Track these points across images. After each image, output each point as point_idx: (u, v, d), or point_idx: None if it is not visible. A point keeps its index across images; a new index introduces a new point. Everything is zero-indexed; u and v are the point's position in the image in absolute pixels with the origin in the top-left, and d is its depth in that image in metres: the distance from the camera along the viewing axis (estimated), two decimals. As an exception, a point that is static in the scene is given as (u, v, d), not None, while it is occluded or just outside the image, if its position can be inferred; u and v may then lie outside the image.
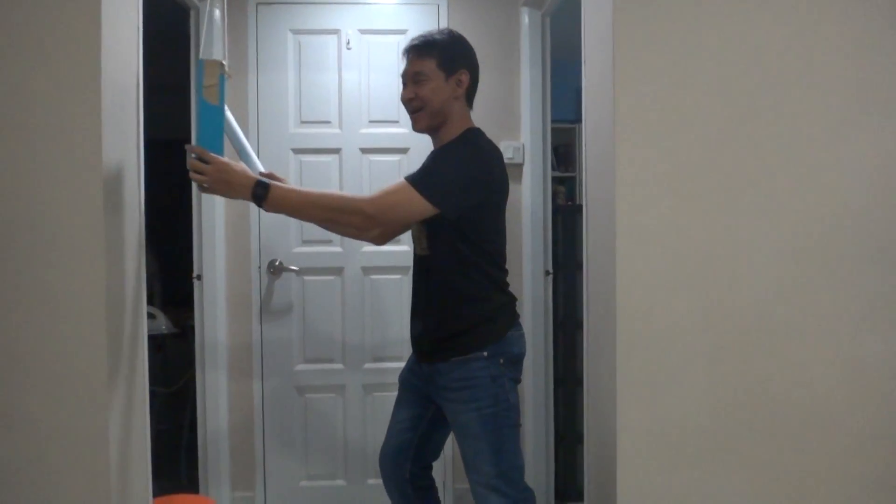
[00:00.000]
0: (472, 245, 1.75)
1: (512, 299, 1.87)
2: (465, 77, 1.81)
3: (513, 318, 1.85)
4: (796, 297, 1.71)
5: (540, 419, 2.86)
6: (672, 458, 1.70)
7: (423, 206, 1.68)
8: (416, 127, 1.85)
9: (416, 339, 1.90)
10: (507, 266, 1.88)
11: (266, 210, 1.64)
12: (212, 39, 2.60)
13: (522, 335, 1.87)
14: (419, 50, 1.80)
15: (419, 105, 1.80)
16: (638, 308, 1.68)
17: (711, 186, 1.69)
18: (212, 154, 1.62)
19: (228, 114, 1.82)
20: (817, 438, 1.73)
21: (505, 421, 1.75)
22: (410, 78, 1.81)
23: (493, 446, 1.74)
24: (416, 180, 1.68)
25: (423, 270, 1.85)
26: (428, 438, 1.95)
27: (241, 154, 1.87)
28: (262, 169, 1.85)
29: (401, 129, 2.82)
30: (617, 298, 1.67)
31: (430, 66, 1.79)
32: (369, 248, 2.84)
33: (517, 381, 1.82)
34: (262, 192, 1.61)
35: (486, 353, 1.75)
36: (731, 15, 1.67)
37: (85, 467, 1.48)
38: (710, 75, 1.68)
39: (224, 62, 1.64)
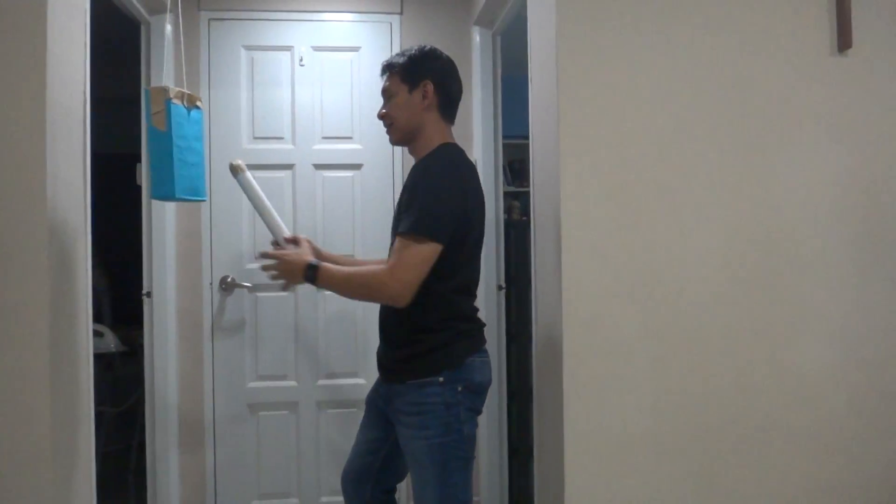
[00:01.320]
0: (438, 275, 1.68)
1: (476, 326, 1.81)
2: (429, 88, 1.79)
3: (475, 344, 1.78)
4: (736, 305, 1.78)
5: (493, 433, 2.88)
6: (619, 465, 1.73)
7: (433, 249, 1.65)
8: (391, 141, 1.89)
9: (378, 357, 1.88)
10: (476, 291, 1.83)
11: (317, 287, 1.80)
12: (161, 61, 2.59)
13: (487, 362, 1.80)
14: (386, 67, 1.86)
15: (389, 121, 1.84)
16: (583, 319, 1.72)
17: (654, 199, 1.74)
18: (272, 251, 1.84)
19: (251, 178, 1.92)
20: (758, 442, 1.78)
21: (454, 453, 1.69)
22: (383, 95, 1.86)
23: (437, 478, 1.69)
24: (415, 230, 1.64)
25: None
26: (390, 462, 1.90)
27: (266, 220, 1.94)
28: (287, 233, 1.94)
29: (354, 144, 2.83)
30: (563, 310, 1.71)
31: (394, 81, 1.82)
32: (323, 263, 2.84)
33: (477, 411, 1.75)
34: (312, 274, 1.75)
35: (441, 379, 1.69)
36: (671, 31, 1.75)
37: (25, 485, 1.45)
38: (652, 89, 1.74)
39: (168, 87, 1.64)
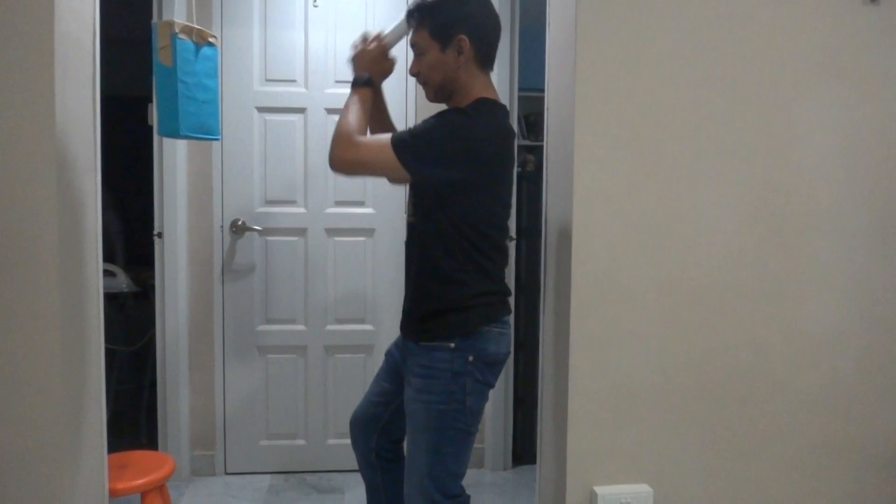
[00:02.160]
0: (455, 221, 1.64)
1: (499, 290, 1.73)
2: (464, 43, 1.65)
3: (494, 313, 1.70)
4: (748, 261, 1.76)
5: (499, 384, 2.91)
6: (621, 417, 1.75)
7: (393, 165, 1.60)
8: (428, 98, 1.77)
9: (403, 311, 1.83)
10: (504, 256, 1.75)
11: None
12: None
13: (506, 334, 1.71)
14: (412, 17, 1.71)
15: (423, 80, 1.73)
16: (592, 271, 1.71)
17: (670, 152, 1.71)
18: (375, 42, 1.79)
19: None
20: (763, 399, 1.79)
21: (453, 423, 1.64)
22: (413, 49, 1.73)
23: (432, 443, 1.65)
24: (396, 139, 1.61)
25: (410, 238, 1.78)
26: (399, 416, 1.84)
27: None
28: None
29: (367, 90, 2.79)
30: (572, 261, 1.70)
31: (424, 36, 1.68)
32: (333, 209, 2.84)
33: (487, 384, 1.69)
34: (359, 82, 1.76)
35: (452, 345, 1.63)
36: (693, -18, 1.68)
37: (35, 416, 1.48)
38: (671, 41, 1.69)
39: (175, 21, 1.61)
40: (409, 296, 1.78)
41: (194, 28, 1.69)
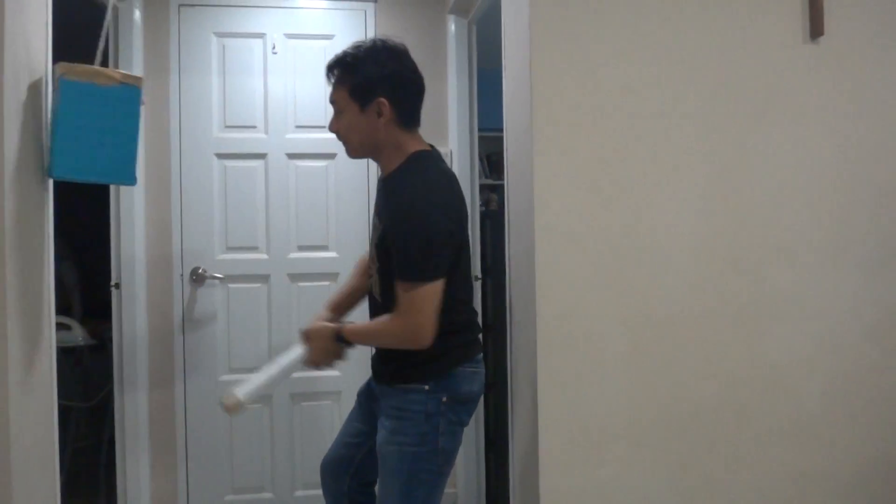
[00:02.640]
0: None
1: (469, 333, 1.76)
2: (384, 107, 1.62)
3: (467, 354, 1.71)
4: (712, 294, 1.78)
5: (470, 425, 2.86)
6: (593, 456, 1.73)
7: (437, 286, 1.58)
8: (350, 156, 1.76)
9: (371, 358, 1.83)
10: (470, 297, 1.78)
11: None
12: (130, 47, 2.53)
13: (478, 372, 1.73)
14: (331, 73, 1.69)
15: (342, 138, 1.71)
16: (557, 309, 1.70)
17: (628, 186, 1.74)
18: (304, 331, 1.77)
19: (251, 401, 1.75)
20: (732, 431, 1.79)
21: (425, 465, 1.63)
22: (332, 104, 1.71)
23: (403, 487, 1.63)
24: (413, 276, 1.57)
25: (374, 310, 1.77)
26: (372, 457, 1.82)
27: (290, 371, 1.83)
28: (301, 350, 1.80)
29: (328, 134, 2.76)
30: (537, 300, 1.70)
31: (342, 95, 1.65)
32: (295, 254, 2.81)
33: (461, 423, 1.70)
34: (342, 337, 1.71)
35: (426, 387, 1.63)
36: (644, 22, 1.73)
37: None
38: (626, 79, 1.73)
39: (63, 64, 1.58)
40: (380, 353, 1.77)
41: (99, 70, 1.63)
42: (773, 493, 1.80)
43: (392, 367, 1.71)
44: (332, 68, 1.69)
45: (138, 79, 1.73)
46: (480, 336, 1.81)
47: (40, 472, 1.60)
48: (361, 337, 1.73)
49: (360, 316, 1.87)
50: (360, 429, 1.87)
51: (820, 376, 1.82)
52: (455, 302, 1.68)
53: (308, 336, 1.76)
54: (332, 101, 1.70)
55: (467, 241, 1.74)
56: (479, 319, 2.85)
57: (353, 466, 1.87)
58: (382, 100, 1.62)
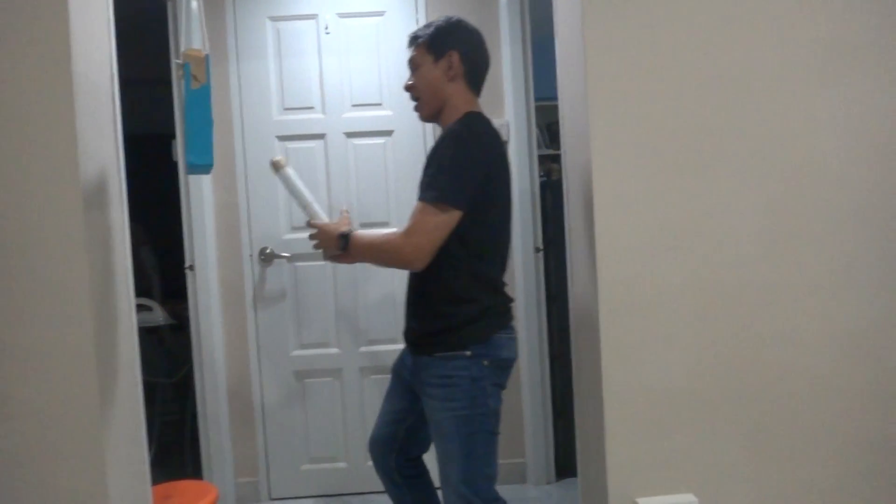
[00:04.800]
0: (462, 242, 1.71)
1: (505, 301, 1.82)
2: (455, 58, 1.78)
3: (503, 321, 1.79)
4: (780, 257, 1.71)
5: (536, 396, 2.88)
6: (660, 425, 1.71)
7: (450, 216, 1.66)
8: (420, 117, 1.88)
9: (405, 331, 1.89)
10: (504, 264, 1.83)
11: (351, 259, 1.81)
12: (191, 30, 2.60)
13: (513, 339, 1.81)
14: (413, 38, 1.85)
15: (416, 94, 1.83)
16: (619, 277, 1.68)
17: (689, 150, 1.68)
18: (313, 221, 1.89)
19: (291, 171, 1.99)
20: (805, 398, 1.73)
21: (479, 426, 1.71)
22: (409, 66, 1.86)
23: (462, 450, 1.70)
24: (431, 196, 1.66)
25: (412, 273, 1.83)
26: (415, 432, 1.92)
27: (308, 212, 1.96)
28: (324, 217, 1.95)
29: (384, 111, 2.81)
30: (597, 269, 1.68)
31: (420, 52, 1.81)
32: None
33: (501, 386, 1.78)
34: (344, 243, 1.79)
35: (468, 353, 1.71)
36: (701, -22, 1.66)
37: (76, 454, 1.51)
38: (681, 40, 1.67)
39: (194, 50, 1.64)
40: (418, 315, 1.82)
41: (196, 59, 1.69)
42: (855, 462, 1.74)
43: (432, 337, 1.76)
44: (414, 37, 1.86)
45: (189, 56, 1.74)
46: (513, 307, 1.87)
47: (131, 445, 1.70)
48: (363, 245, 1.78)
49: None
50: (399, 406, 1.92)
51: (901, 340, 1.74)
52: (492, 257, 1.76)
53: (324, 229, 1.85)
54: (410, 61, 1.85)
55: (506, 201, 1.80)
56: (543, 290, 2.87)
57: (397, 443, 1.93)
58: (454, 52, 1.78)
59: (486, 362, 1.71)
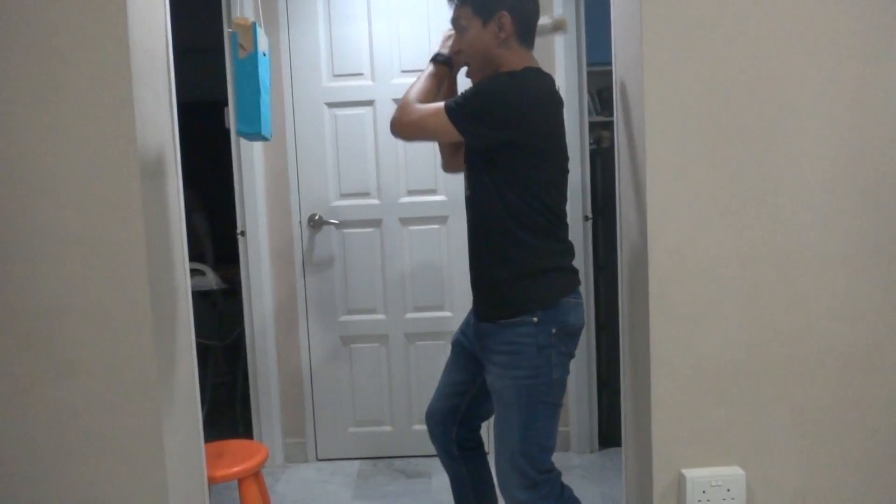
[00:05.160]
0: (513, 186, 1.65)
1: (570, 261, 1.74)
2: (506, 20, 1.67)
3: (571, 284, 1.72)
4: (834, 228, 1.65)
5: (582, 365, 2.87)
6: (708, 397, 1.68)
7: (445, 126, 1.66)
8: (472, 80, 1.79)
9: (473, 290, 1.83)
10: (564, 215, 1.75)
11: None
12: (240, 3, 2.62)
13: (580, 304, 1.74)
14: None
15: (464, 59, 1.77)
16: (670, 245, 1.65)
17: (744, 117, 1.62)
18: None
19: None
20: (856, 374, 1.68)
21: (542, 396, 1.66)
22: (454, 25, 1.77)
23: (523, 419, 1.66)
24: (449, 102, 1.67)
25: (470, 213, 1.79)
26: (477, 403, 1.90)
27: None
28: None
29: (433, 77, 2.79)
30: (649, 237, 1.64)
31: (466, 13, 1.71)
32: (406, 199, 2.86)
33: (570, 355, 1.71)
34: (438, 59, 1.85)
35: (535, 319, 1.64)
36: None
37: (134, 411, 1.57)
38: (740, 3, 1.60)
39: (241, 18, 1.64)
40: (481, 265, 1.76)
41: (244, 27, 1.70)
42: (910, 438, 1.69)
43: (494, 294, 1.72)
44: None
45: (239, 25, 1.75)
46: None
47: (185, 404, 1.77)
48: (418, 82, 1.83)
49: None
50: (461, 378, 1.90)
51: (969, 316, 1.66)
52: (548, 205, 1.68)
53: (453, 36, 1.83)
54: (454, 21, 1.76)
55: (563, 159, 1.73)
56: (591, 258, 2.83)
57: (458, 415, 1.91)
58: (504, 13, 1.68)
59: (553, 329, 1.65)
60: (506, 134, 1.63)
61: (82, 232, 1.53)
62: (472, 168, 1.75)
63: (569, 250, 1.75)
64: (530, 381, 1.65)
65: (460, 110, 1.65)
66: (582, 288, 2.80)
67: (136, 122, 1.51)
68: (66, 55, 1.49)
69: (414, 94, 1.77)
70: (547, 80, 1.70)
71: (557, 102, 1.70)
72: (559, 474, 1.74)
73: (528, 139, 1.64)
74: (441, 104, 1.68)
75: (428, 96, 1.77)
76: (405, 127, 1.73)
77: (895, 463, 1.70)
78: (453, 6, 1.75)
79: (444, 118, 1.65)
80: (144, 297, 1.55)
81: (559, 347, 1.67)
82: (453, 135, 1.67)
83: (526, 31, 1.72)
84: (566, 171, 1.76)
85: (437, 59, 1.84)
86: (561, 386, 1.69)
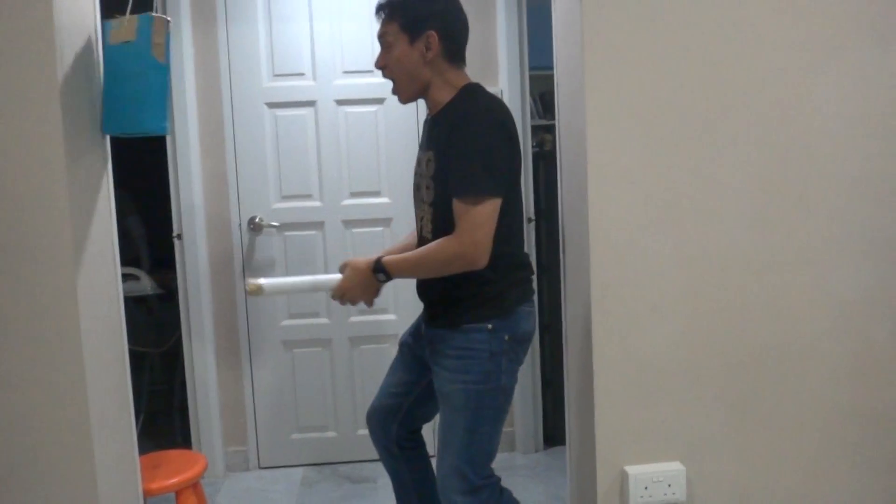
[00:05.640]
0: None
1: (527, 274, 1.77)
2: (433, 39, 1.65)
3: (525, 294, 1.75)
4: (770, 230, 1.71)
5: (526, 366, 2.87)
6: (649, 395, 1.71)
7: (494, 205, 1.59)
8: (400, 100, 1.76)
9: (425, 304, 1.83)
10: (523, 233, 1.78)
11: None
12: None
13: (533, 312, 1.77)
14: (381, 9, 1.70)
15: (390, 74, 1.72)
16: (611, 248, 1.67)
17: (684, 121, 1.66)
18: (333, 287, 1.74)
19: (270, 281, 1.81)
20: (795, 371, 1.74)
21: (489, 402, 1.67)
22: (380, 41, 1.72)
23: (469, 424, 1.67)
24: (472, 192, 1.58)
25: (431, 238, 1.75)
26: (420, 405, 1.90)
27: (317, 286, 1.93)
28: (334, 278, 1.80)
29: (376, 78, 2.73)
30: (590, 240, 1.66)
31: (392, 28, 1.67)
32: (349, 201, 2.83)
33: (519, 362, 1.74)
34: (380, 268, 1.68)
35: (490, 326, 1.66)
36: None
37: (61, 422, 1.50)
38: (682, 6, 1.64)
39: (169, 19, 1.58)
40: (437, 289, 1.75)
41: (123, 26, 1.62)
42: (839, 433, 1.76)
43: (454, 309, 1.71)
44: (382, 6, 1.71)
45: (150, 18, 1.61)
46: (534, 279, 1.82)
47: (117, 412, 1.70)
48: (406, 265, 1.68)
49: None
50: (406, 378, 1.89)
51: (889, 315, 1.74)
52: (514, 234, 1.71)
53: (346, 266, 1.74)
54: (381, 37, 1.71)
55: (520, 174, 1.74)
56: (534, 261, 2.86)
57: (400, 415, 1.91)
58: (432, 32, 1.65)
59: (506, 336, 1.67)
60: (513, 150, 1.65)
61: (3, 235, 1.45)
62: (436, 213, 1.70)
63: (527, 265, 1.78)
64: (479, 386, 1.66)
65: (484, 184, 1.57)
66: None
67: (62, 116, 1.44)
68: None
69: (432, 253, 1.64)
70: (493, 96, 1.73)
71: (509, 112, 1.72)
72: (499, 479, 1.75)
73: (515, 158, 1.68)
74: (467, 204, 1.57)
75: (432, 251, 1.65)
76: (484, 247, 1.59)
77: (828, 457, 1.76)
78: (380, 21, 1.71)
79: (486, 205, 1.56)
80: (72, 304, 1.48)
81: (510, 354, 1.70)
82: (497, 206, 1.59)
83: (455, 52, 1.70)
84: (521, 188, 1.78)
85: (382, 278, 1.71)
86: (508, 393, 1.72)
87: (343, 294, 1.73)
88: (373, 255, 1.73)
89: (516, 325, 1.70)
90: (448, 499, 1.70)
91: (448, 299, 1.73)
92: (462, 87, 1.69)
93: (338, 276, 1.78)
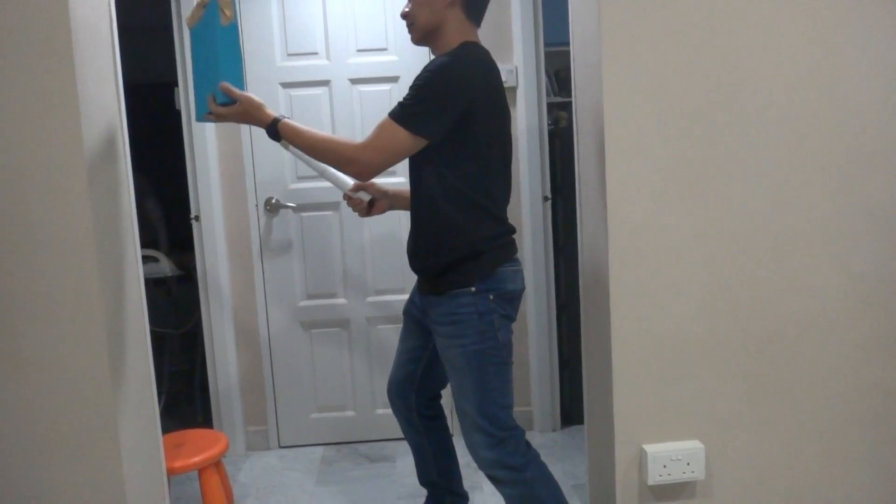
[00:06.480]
0: (454, 170, 1.68)
1: (506, 231, 1.79)
2: None
3: (506, 253, 1.77)
4: (793, 206, 1.68)
5: (543, 345, 2.89)
6: (667, 373, 1.71)
7: (410, 141, 1.64)
8: (412, 39, 1.80)
9: (414, 270, 1.89)
10: (505, 197, 1.80)
11: (281, 141, 1.73)
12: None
13: (519, 271, 1.80)
14: None
15: (411, 19, 1.76)
16: (629, 224, 1.66)
17: (701, 97, 1.64)
18: (238, 92, 1.70)
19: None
20: (814, 347, 1.73)
21: (491, 359, 1.71)
22: None
23: (476, 384, 1.71)
24: (397, 114, 1.64)
25: (413, 198, 1.82)
26: (431, 369, 1.95)
27: (328, 176, 1.95)
28: (351, 183, 1.95)
29: (390, 56, 2.75)
30: (608, 216, 1.65)
31: None
32: (365, 181, 2.82)
33: (510, 318, 1.77)
34: (273, 132, 1.71)
35: (473, 289, 1.70)
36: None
37: (85, 403, 1.52)
38: (700, -21, 1.60)
39: None
40: (421, 253, 1.81)
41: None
42: (859, 409, 1.75)
43: (436, 275, 1.76)
44: None
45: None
46: (517, 239, 1.85)
47: (141, 395, 1.72)
48: (300, 138, 1.69)
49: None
50: (413, 345, 1.96)
51: (914, 289, 1.72)
52: (485, 184, 1.72)
53: (245, 100, 1.71)
54: None
55: (499, 134, 1.75)
56: (550, 239, 2.85)
57: (415, 383, 1.97)
58: None
59: (491, 296, 1.70)
60: (460, 105, 1.64)
61: (26, 220, 1.46)
62: (413, 161, 1.75)
63: (503, 220, 1.79)
64: (477, 346, 1.71)
65: (413, 116, 1.62)
66: (542, 268, 2.83)
67: (80, 102, 1.45)
68: (5, 31, 1.41)
69: (329, 141, 1.70)
70: (482, 52, 1.73)
71: (492, 71, 1.73)
72: (523, 432, 1.78)
73: (471, 113, 1.66)
74: (386, 122, 1.64)
75: (323, 134, 1.73)
76: (372, 167, 1.66)
77: (849, 433, 1.75)
78: None
79: (402, 132, 1.62)
80: (94, 287, 1.49)
81: (499, 311, 1.72)
82: (415, 143, 1.64)
83: (474, 5, 1.74)
84: (508, 139, 1.79)
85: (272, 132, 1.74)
86: (507, 346, 1.75)
87: (220, 115, 1.72)
88: (280, 114, 1.74)
89: (501, 284, 1.73)
90: (477, 456, 1.75)
91: (433, 268, 1.77)
92: (462, 42, 1.72)
93: (350, 182, 1.92)
